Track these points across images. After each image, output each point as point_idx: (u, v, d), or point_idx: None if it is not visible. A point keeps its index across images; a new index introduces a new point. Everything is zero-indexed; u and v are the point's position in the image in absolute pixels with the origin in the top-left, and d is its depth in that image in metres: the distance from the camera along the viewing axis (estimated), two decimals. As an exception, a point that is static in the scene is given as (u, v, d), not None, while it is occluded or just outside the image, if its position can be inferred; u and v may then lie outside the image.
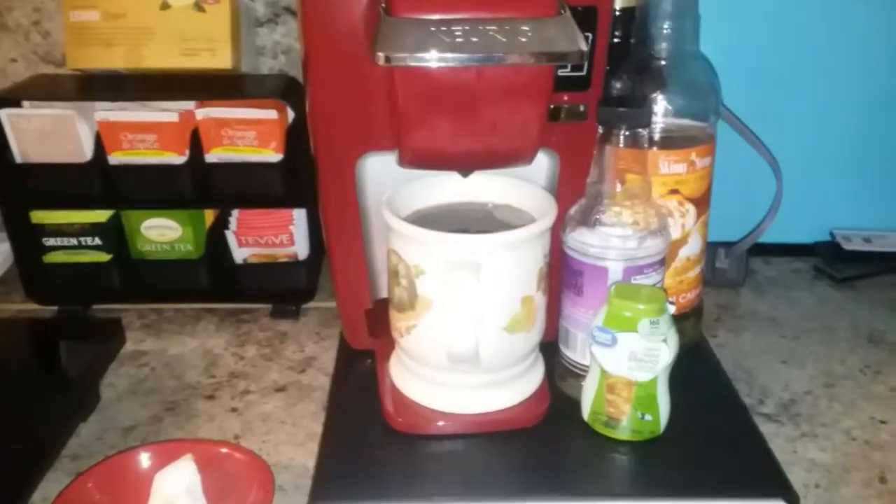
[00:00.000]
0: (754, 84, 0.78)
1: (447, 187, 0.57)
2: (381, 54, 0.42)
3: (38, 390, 0.60)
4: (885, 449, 0.59)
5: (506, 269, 0.51)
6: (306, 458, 0.57)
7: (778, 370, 0.68)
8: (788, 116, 0.80)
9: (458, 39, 0.43)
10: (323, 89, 0.53)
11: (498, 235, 0.51)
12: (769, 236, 0.77)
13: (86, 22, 0.71)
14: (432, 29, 0.43)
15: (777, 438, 0.59)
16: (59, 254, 0.76)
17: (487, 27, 0.44)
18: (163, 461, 0.51)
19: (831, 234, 0.86)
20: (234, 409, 0.63)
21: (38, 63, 0.83)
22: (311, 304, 0.78)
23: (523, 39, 0.43)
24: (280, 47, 0.84)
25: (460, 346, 0.49)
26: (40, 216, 0.75)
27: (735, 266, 0.80)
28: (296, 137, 0.71)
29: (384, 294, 0.61)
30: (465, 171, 0.55)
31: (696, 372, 0.60)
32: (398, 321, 0.55)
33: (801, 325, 0.75)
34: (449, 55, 0.43)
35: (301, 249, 0.77)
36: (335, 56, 0.51)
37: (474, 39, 0.43)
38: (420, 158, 0.52)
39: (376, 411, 0.57)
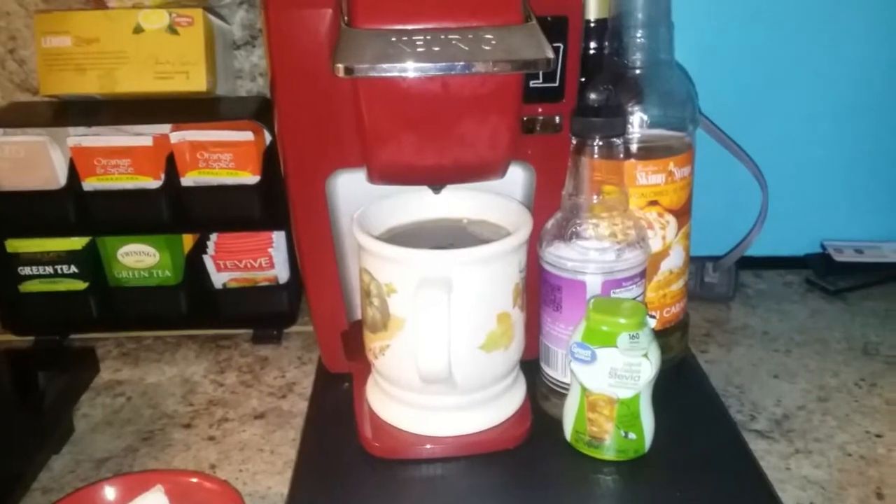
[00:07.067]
0: (737, 93, 0.78)
1: (420, 204, 0.56)
2: (340, 66, 0.42)
3: (7, 421, 0.59)
4: (881, 464, 0.57)
5: (479, 285, 0.50)
6: (284, 486, 0.55)
7: (770, 385, 0.66)
8: (774, 125, 0.80)
9: (420, 49, 0.42)
10: (291, 108, 0.53)
11: (468, 251, 0.50)
12: (759, 249, 0.76)
13: (58, 48, 0.71)
14: (393, 39, 0.42)
15: (770, 455, 0.57)
16: (35, 283, 0.75)
17: (450, 36, 0.43)
18: (132, 493, 0.49)
19: (822, 246, 0.85)
20: (211, 438, 0.61)
21: (15, 91, 0.83)
22: (294, 329, 0.77)
23: (487, 48, 0.42)
24: (258, 70, 0.83)
25: (432, 366, 0.48)
26: (15, 245, 0.74)
27: (724, 280, 0.79)
28: (273, 159, 0.70)
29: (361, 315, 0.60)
30: (437, 185, 0.54)
31: (682, 388, 0.59)
32: (372, 342, 0.54)
33: (794, 338, 0.74)
34: (410, 65, 0.42)
35: (281, 272, 0.76)
36: (302, 74, 0.51)
37: (436, 49, 0.42)
38: (389, 173, 0.51)
39: (353, 436, 0.55)
